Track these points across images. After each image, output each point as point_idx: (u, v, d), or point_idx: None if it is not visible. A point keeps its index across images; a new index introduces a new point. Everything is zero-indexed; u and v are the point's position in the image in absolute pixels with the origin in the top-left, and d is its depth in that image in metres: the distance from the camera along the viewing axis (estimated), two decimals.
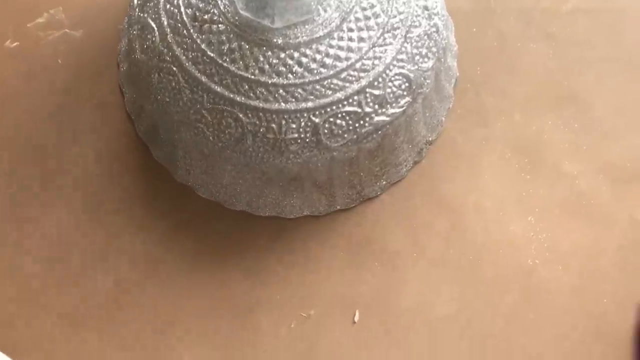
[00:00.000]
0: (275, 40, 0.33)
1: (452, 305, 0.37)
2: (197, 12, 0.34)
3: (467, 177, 0.40)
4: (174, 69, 0.34)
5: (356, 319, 0.37)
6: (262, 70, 0.33)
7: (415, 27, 0.35)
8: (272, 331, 0.37)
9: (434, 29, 0.36)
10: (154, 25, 0.35)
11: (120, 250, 0.38)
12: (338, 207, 0.39)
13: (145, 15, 0.35)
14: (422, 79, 0.36)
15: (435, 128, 0.40)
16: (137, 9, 0.36)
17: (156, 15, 0.35)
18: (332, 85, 0.34)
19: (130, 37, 0.37)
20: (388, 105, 0.35)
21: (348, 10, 0.34)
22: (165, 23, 0.35)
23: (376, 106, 0.34)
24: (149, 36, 0.35)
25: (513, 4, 0.44)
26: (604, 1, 0.44)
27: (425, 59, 0.36)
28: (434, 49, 0.36)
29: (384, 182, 0.39)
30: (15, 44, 0.43)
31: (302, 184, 0.37)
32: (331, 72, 0.34)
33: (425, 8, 0.36)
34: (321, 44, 0.34)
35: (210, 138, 0.35)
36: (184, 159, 0.38)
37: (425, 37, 0.35)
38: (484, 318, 0.37)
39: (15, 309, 0.37)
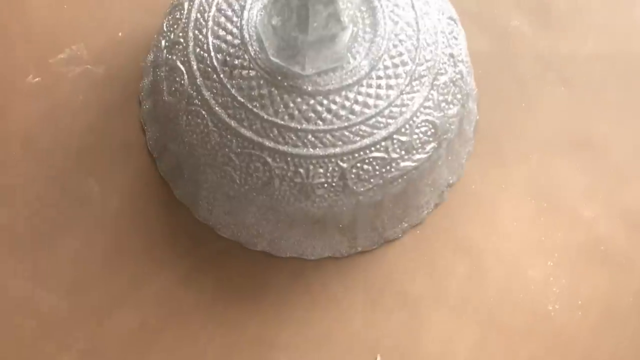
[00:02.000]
0: (305, 87, 0.34)
1: (473, 352, 0.37)
2: (227, 57, 0.34)
3: (486, 220, 0.41)
4: (203, 112, 0.34)
5: None
6: (291, 116, 0.34)
7: (442, 74, 0.35)
8: None
9: (458, 76, 0.37)
10: (182, 69, 0.35)
11: (142, 290, 0.38)
12: (359, 249, 0.39)
13: (174, 57, 0.36)
14: (447, 125, 0.36)
15: (456, 171, 0.40)
16: (164, 51, 0.37)
17: (185, 59, 0.35)
18: (360, 132, 0.34)
19: (157, 78, 0.37)
20: (414, 151, 0.35)
21: (377, 58, 0.34)
22: (195, 67, 0.35)
23: (402, 152, 0.35)
24: (177, 79, 0.35)
25: (531, 49, 0.44)
26: (619, 47, 0.45)
27: (451, 106, 0.36)
28: (458, 96, 0.36)
29: (406, 225, 0.39)
30: (36, 79, 0.43)
31: (325, 226, 0.37)
32: (359, 119, 0.34)
33: (451, 55, 0.36)
34: (350, 91, 0.34)
35: (237, 181, 0.35)
36: (207, 198, 0.38)
37: (451, 84, 0.36)
38: None
39: (34, 344, 0.37)
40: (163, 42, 0.37)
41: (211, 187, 0.37)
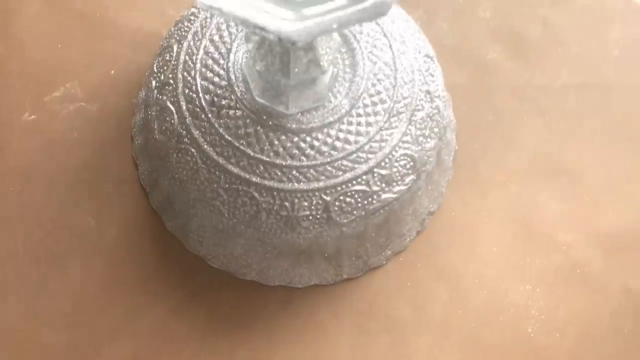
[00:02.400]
0: (289, 125, 0.35)
1: None
2: (215, 97, 0.36)
3: (467, 246, 0.42)
4: (192, 150, 0.36)
5: None
6: (276, 153, 0.35)
7: (419, 110, 0.37)
8: None
9: (435, 111, 0.38)
10: (172, 109, 0.37)
11: (136, 321, 0.40)
12: (345, 276, 0.40)
13: (164, 97, 0.37)
14: (426, 157, 0.38)
15: (437, 199, 0.42)
16: (155, 91, 0.38)
17: (175, 99, 0.37)
18: (342, 167, 0.36)
19: (149, 116, 0.39)
20: (394, 183, 0.37)
21: (357, 97, 0.36)
22: (184, 107, 0.36)
23: (383, 185, 0.36)
24: (167, 118, 0.37)
25: (508, 80, 0.46)
26: (593, 77, 0.47)
27: (428, 139, 0.38)
28: (435, 130, 0.38)
29: (389, 252, 0.41)
30: (32, 117, 0.45)
31: (311, 256, 0.38)
32: (341, 155, 0.36)
33: (428, 92, 0.38)
34: (332, 128, 0.36)
35: (226, 214, 0.36)
36: (197, 231, 0.39)
37: (428, 119, 0.38)
38: None
39: None
40: (154, 83, 0.39)
41: (201, 221, 0.38)
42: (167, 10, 0.48)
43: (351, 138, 0.36)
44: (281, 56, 0.32)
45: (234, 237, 0.38)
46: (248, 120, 0.36)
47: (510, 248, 0.42)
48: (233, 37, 0.37)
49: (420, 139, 0.37)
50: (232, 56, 0.37)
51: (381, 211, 0.37)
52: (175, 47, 0.38)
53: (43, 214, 0.42)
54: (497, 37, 0.47)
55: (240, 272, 0.40)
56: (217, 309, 0.41)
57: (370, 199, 0.36)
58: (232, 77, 0.36)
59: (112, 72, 0.46)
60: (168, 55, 0.39)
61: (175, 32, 0.39)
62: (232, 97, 0.36)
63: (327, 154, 0.36)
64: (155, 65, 0.39)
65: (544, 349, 0.40)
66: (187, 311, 0.40)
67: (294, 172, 0.35)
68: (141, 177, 0.42)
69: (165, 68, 0.38)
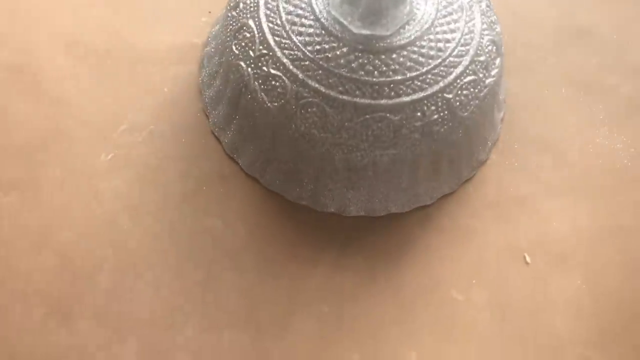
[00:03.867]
0: (396, 42, 0.38)
1: None
2: (316, 46, 0.38)
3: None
4: (316, 100, 0.38)
5: None
6: (394, 71, 0.38)
7: (481, 0, 0.41)
8: None
9: (488, 1, 0.43)
10: (281, 75, 0.39)
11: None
12: (464, 179, 0.43)
13: (266, 69, 0.39)
14: (501, 40, 0.42)
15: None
16: (251, 65, 0.40)
17: (278, 67, 0.39)
18: (452, 63, 0.39)
19: (249, 91, 0.40)
20: (490, 68, 0.40)
21: (436, 1, 0.40)
22: (291, 67, 0.38)
23: (484, 71, 0.40)
24: (277, 84, 0.39)
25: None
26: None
27: (496, 25, 0.42)
28: (494, 17, 0.42)
29: (490, 144, 0.44)
30: (110, 155, 0.44)
31: (439, 164, 0.41)
32: (447, 53, 0.39)
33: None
34: (430, 33, 0.39)
35: (363, 147, 0.38)
36: (324, 182, 0.41)
37: (487, 8, 0.42)
38: None
39: None
40: (250, 53, 0.40)
41: (333, 166, 0.40)
42: (188, 20, 0.49)
43: (448, 36, 0.39)
44: None
45: (370, 169, 0.40)
46: (357, 53, 0.38)
47: None
48: None
49: (493, 25, 0.41)
50: (314, 7, 0.39)
51: (488, 96, 0.41)
52: (251, 23, 0.40)
53: (181, 230, 0.42)
54: None
55: (378, 208, 0.42)
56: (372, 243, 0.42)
57: (479, 87, 0.40)
58: (325, 22, 0.39)
59: (165, 89, 0.46)
60: (247, 33, 0.40)
61: (241, 12, 0.40)
62: (333, 39, 0.38)
63: (435, 56, 0.39)
64: (234, 46, 0.40)
65: None
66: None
67: (416, 82, 0.38)
68: (244, 167, 0.43)
69: (246, 42, 0.40)
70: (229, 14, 0.42)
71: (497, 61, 0.41)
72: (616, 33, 0.50)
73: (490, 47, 0.41)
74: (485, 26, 0.41)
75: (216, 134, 0.44)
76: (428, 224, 0.43)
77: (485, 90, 0.40)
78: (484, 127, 0.43)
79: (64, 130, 0.45)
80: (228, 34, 0.41)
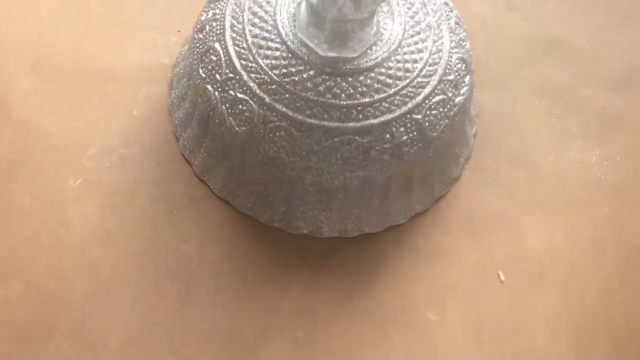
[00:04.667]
0: (362, 64, 0.38)
1: None
2: (283, 69, 0.38)
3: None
4: (284, 124, 0.38)
5: None
6: (362, 94, 0.38)
7: (449, 19, 0.41)
8: None
9: (456, 18, 0.42)
10: (247, 99, 0.38)
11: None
12: (436, 197, 0.43)
13: (231, 95, 0.38)
14: (470, 58, 0.42)
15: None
16: (216, 91, 0.39)
17: (246, 91, 0.38)
18: (420, 84, 0.39)
19: (215, 116, 0.40)
20: (459, 86, 0.40)
21: (403, 21, 0.39)
22: (259, 93, 0.38)
23: (453, 89, 0.40)
24: (243, 108, 0.38)
25: None
26: None
27: (465, 42, 0.42)
28: (464, 34, 0.42)
29: (462, 160, 0.44)
30: (78, 181, 0.44)
31: (412, 183, 0.41)
32: (415, 74, 0.39)
33: (446, 4, 0.42)
34: (397, 54, 0.38)
35: (333, 171, 0.38)
36: (298, 207, 0.41)
37: (457, 26, 0.42)
38: None
39: None
40: (216, 76, 0.39)
41: (304, 189, 0.39)
42: (157, 40, 0.48)
43: (416, 56, 0.39)
44: None
45: (341, 191, 0.39)
46: (324, 76, 0.37)
47: None
48: (272, 9, 0.39)
49: (462, 42, 0.41)
50: (281, 30, 0.39)
51: (458, 115, 0.40)
52: (217, 46, 0.39)
53: (153, 254, 0.41)
54: None
55: (351, 228, 0.42)
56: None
57: (449, 106, 0.39)
58: (291, 45, 0.38)
59: (135, 111, 0.46)
60: (213, 56, 0.40)
61: (208, 35, 0.40)
62: (299, 62, 0.38)
63: (403, 77, 0.38)
64: (201, 69, 0.40)
65: None
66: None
67: (384, 103, 0.38)
68: (215, 190, 0.43)
69: (213, 66, 0.39)
70: (196, 36, 0.41)
71: (467, 79, 0.41)
72: (589, 44, 0.50)
73: (459, 65, 0.40)
74: (454, 44, 0.40)
75: (186, 156, 0.44)
76: (402, 243, 0.43)
77: (455, 109, 0.40)
78: (456, 144, 0.42)
79: (31, 154, 0.44)
80: (195, 56, 0.41)
